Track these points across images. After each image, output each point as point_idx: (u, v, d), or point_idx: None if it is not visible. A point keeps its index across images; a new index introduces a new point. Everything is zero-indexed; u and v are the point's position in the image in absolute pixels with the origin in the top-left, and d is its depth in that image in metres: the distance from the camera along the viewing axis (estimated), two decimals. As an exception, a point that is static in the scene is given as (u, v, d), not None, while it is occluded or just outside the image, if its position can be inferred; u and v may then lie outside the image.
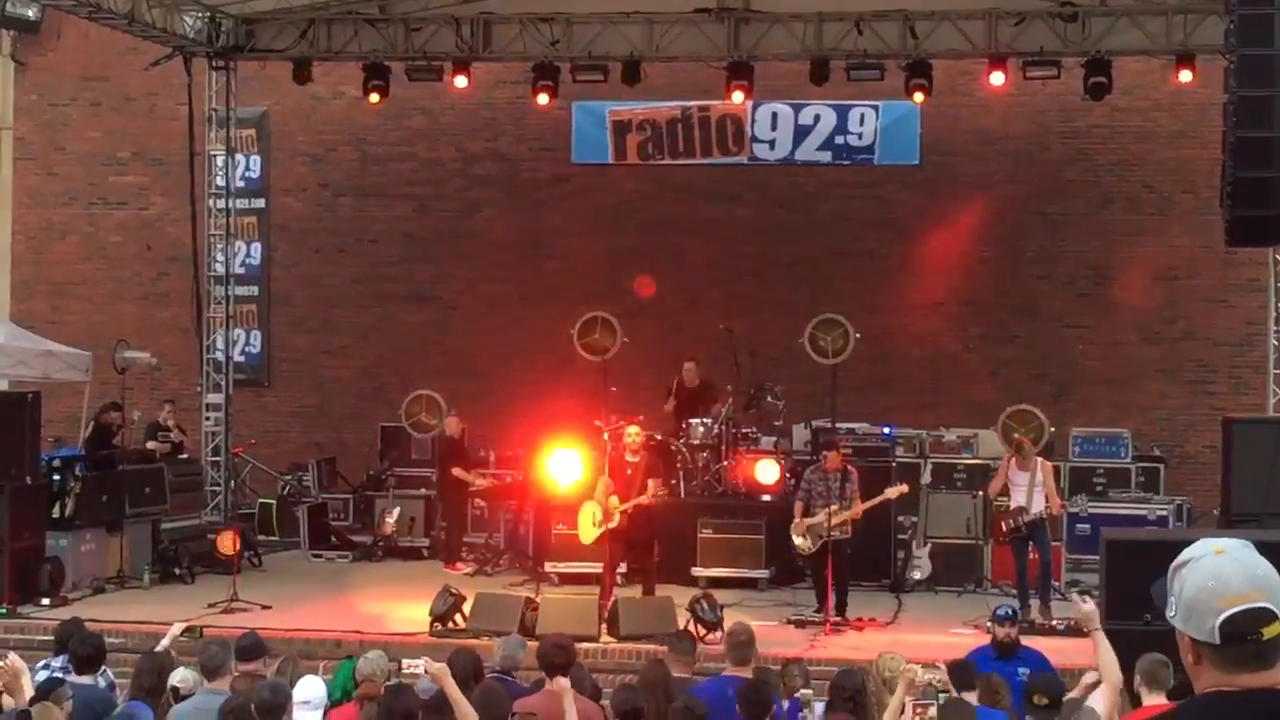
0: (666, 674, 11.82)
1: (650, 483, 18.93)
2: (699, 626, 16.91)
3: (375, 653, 11.80)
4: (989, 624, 14.30)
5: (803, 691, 11.86)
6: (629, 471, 18.97)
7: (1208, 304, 25.90)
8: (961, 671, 11.58)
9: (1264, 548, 4.03)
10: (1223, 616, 3.79)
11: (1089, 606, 10.28)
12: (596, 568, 19.14)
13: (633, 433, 19.49)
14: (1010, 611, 14.40)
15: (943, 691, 10.81)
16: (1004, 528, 19.15)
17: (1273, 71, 14.27)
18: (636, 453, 19.23)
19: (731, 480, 22.31)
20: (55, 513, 20.28)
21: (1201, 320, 25.99)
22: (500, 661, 12.06)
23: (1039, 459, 19.51)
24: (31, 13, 25.54)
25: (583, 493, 19.39)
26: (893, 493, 19.00)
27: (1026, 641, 14.11)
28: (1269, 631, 3.80)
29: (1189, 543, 4.00)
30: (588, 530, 18.99)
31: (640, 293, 25.48)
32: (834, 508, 18.45)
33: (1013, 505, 19.05)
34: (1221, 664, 3.82)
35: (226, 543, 20.29)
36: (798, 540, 18.82)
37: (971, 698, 11.11)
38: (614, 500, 18.71)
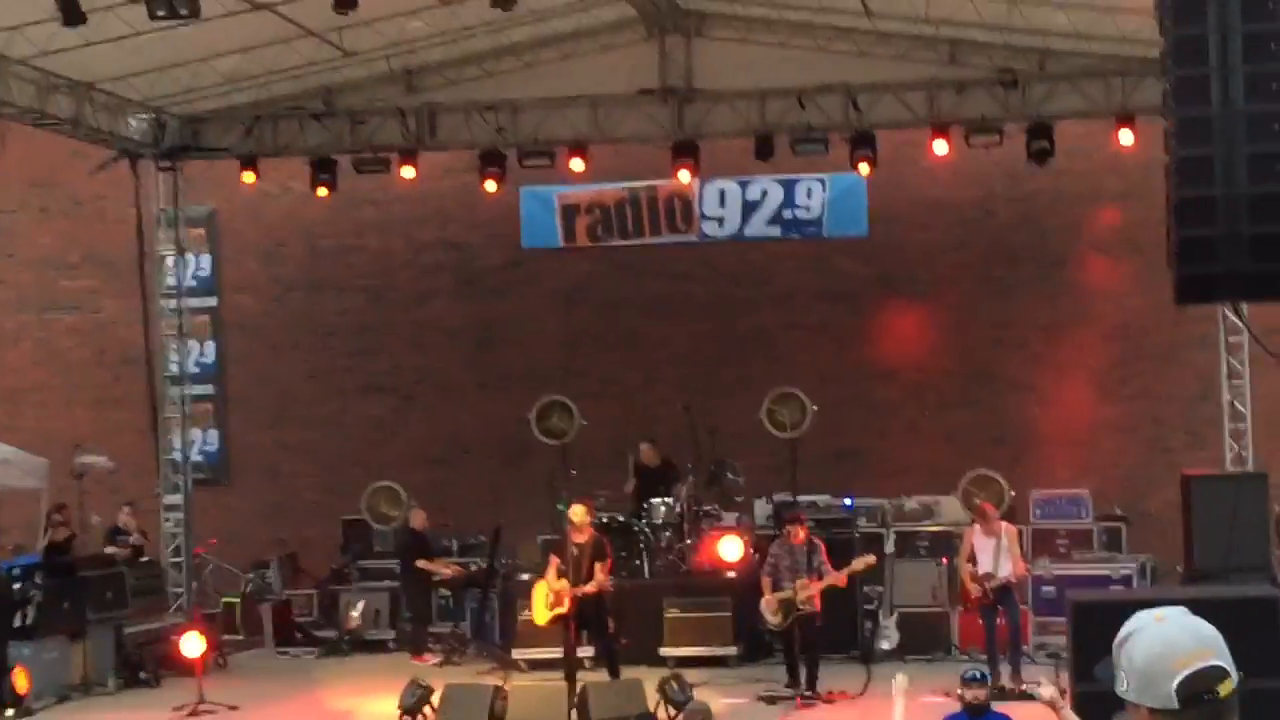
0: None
1: (597, 568, 18.88)
2: (669, 707, 16.88)
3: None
4: (958, 689, 14.31)
5: None
6: (575, 552, 18.94)
7: (1160, 361, 26.05)
8: None
9: (1229, 603, 4.07)
10: (1178, 679, 3.81)
11: (1049, 692, 10.26)
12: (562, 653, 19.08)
13: (577, 512, 19.45)
14: (979, 674, 14.43)
15: None
16: (973, 595, 19.17)
17: (1211, 131, 14.41)
18: (583, 531, 19.19)
19: (696, 560, 22.29)
20: (16, 622, 20.13)
21: (1155, 378, 26.13)
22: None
23: (1003, 524, 19.59)
24: (-24, 121, 25.50)
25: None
26: (860, 564, 19.06)
27: (998, 707, 14.12)
28: (1224, 689, 3.83)
29: (1156, 602, 4.03)
30: (540, 611, 19.00)
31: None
32: (804, 580, 18.47)
33: (979, 571, 19.09)
34: None
35: (191, 645, 20.08)
36: (769, 616, 18.82)
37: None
38: (563, 584, 18.68)
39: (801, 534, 18.93)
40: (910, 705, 11.94)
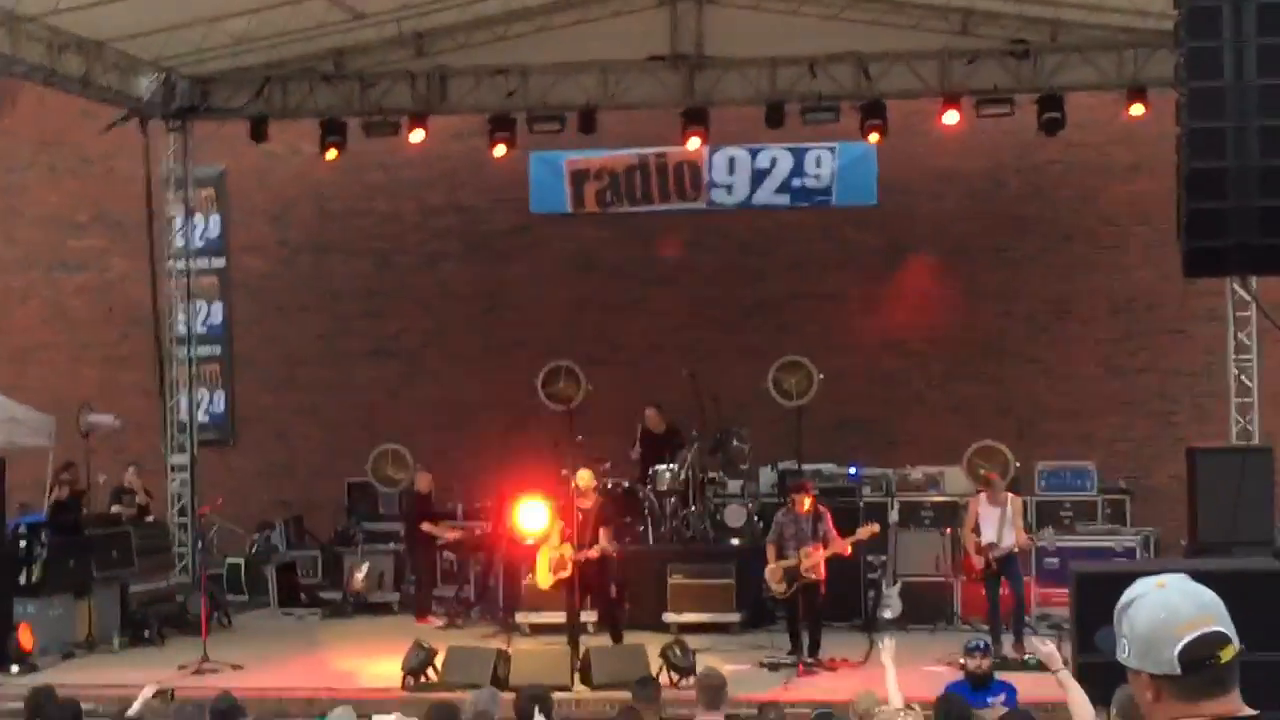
0: (641, 722, 11.82)
1: (601, 533, 18.92)
2: (672, 673, 16.92)
3: (342, 709, 11.77)
4: (961, 658, 14.35)
5: None
6: (580, 517, 18.97)
7: (1168, 335, 26.05)
8: (953, 710, 11.52)
9: (1234, 575, 4.09)
10: (1180, 645, 3.83)
11: (1049, 648, 10.28)
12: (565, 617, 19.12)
13: (583, 477, 19.46)
14: (982, 644, 14.49)
15: None
16: (977, 565, 19.20)
17: (1223, 103, 14.38)
18: (587, 496, 19.22)
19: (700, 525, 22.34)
20: (22, 579, 20.20)
21: (1162, 351, 26.13)
22: (474, 716, 12.03)
23: (1008, 494, 19.62)
24: (-14, 79, 25.51)
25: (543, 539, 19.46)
26: (864, 533, 19.08)
27: (1001, 677, 14.15)
28: (1225, 654, 3.85)
29: (1158, 574, 4.04)
30: (544, 575, 19.08)
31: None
32: (809, 548, 18.50)
33: (983, 541, 19.11)
34: (1183, 695, 3.85)
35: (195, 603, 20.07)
36: (773, 584, 18.86)
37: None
38: (566, 549, 18.73)
39: (807, 502, 18.94)
40: (913, 673, 11.96)
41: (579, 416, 22.50)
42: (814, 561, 18.50)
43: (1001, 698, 13.69)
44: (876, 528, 19.48)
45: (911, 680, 16.65)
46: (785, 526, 18.92)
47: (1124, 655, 3.95)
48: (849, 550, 18.94)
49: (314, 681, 18.00)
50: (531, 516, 19.37)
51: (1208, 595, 3.92)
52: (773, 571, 18.79)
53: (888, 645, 11.93)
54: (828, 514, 19.06)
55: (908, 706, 11.32)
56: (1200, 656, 3.83)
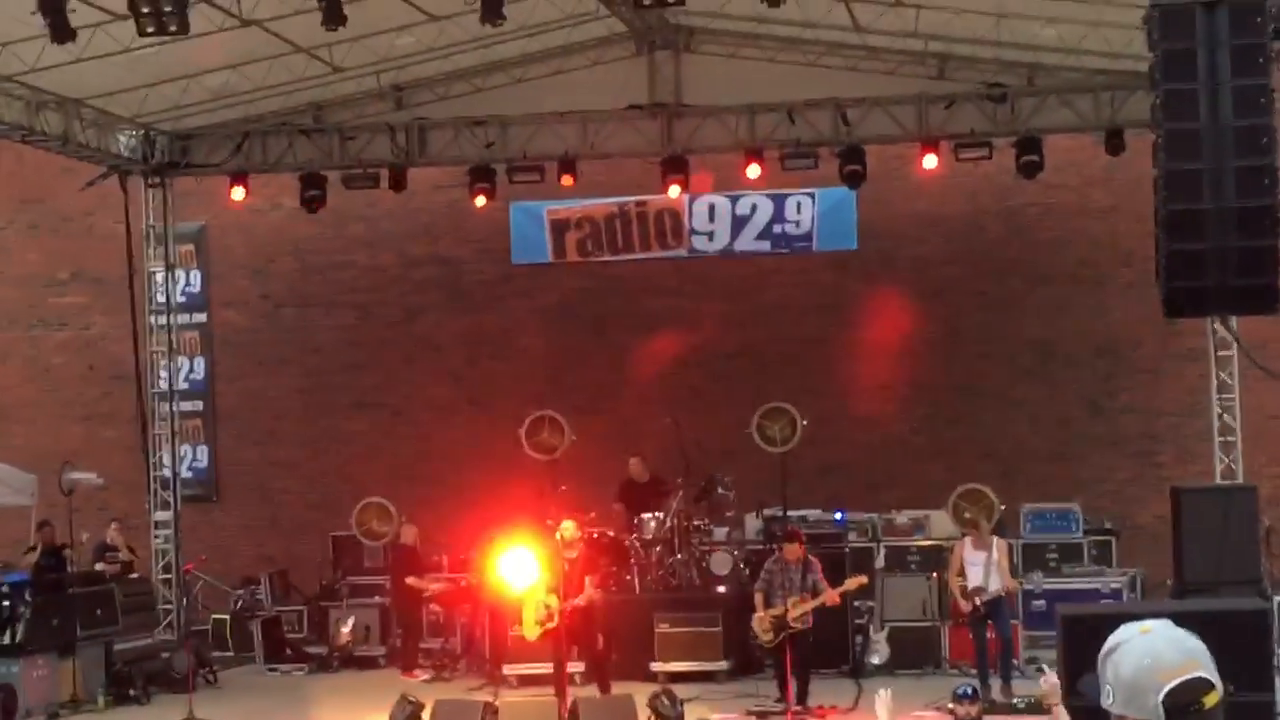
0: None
1: (586, 581, 18.86)
2: (660, 723, 16.84)
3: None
4: (949, 704, 14.31)
5: None
6: (566, 568, 18.92)
7: (1150, 375, 26.10)
8: None
9: (1220, 615, 4.08)
10: (1164, 691, 3.83)
11: (1054, 679, 10.25)
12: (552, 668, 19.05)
13: (567, 528, 19.42)
14: (970, 690, 14.45)
15: None
16: (965, 609, 19.16)
17: (1199, 145, 14.45)
18: (572, 546, 19.17)
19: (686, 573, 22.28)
20: (5, 639, 20.11)
21: (1144, 391, 26.17)
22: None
23: (994, 537, 19.61)
24: (-36, 138, 25.50)
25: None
26: (852, 584, 19.02)
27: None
28: (1209, 701, 3.84)
29: (1147, 615, 4.04)
30: (530, 627, 19.00)
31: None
32: (795, 599, 18.46)
33: (970, 585, 19.08)
34: None
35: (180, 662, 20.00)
36: (760, 633, 18.81)
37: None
38: (553, 599, 18.67)
39: (798, 551, 18.89)
40: None
41: (563, 466, 22.47)
42: (801, 612, 18.46)
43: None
44: (864, 579, 19.46)
45: (900, 726, 16.65)
46: (775, 575, 18.87)
47: (1109, 701, 3.94)
48: (838, 601, 18.90)
49: (301, 737, 17.92)
50: (518, 569, 19.26)
51: (1192, 641, 3.91)
52: (760, 620, 18.74)
53: (883, 697, 11.89)
54: (817, 563, 19.01)
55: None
56: (1184, 703, 3.82)
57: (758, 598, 18.91)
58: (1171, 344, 25.37)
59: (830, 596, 18.66)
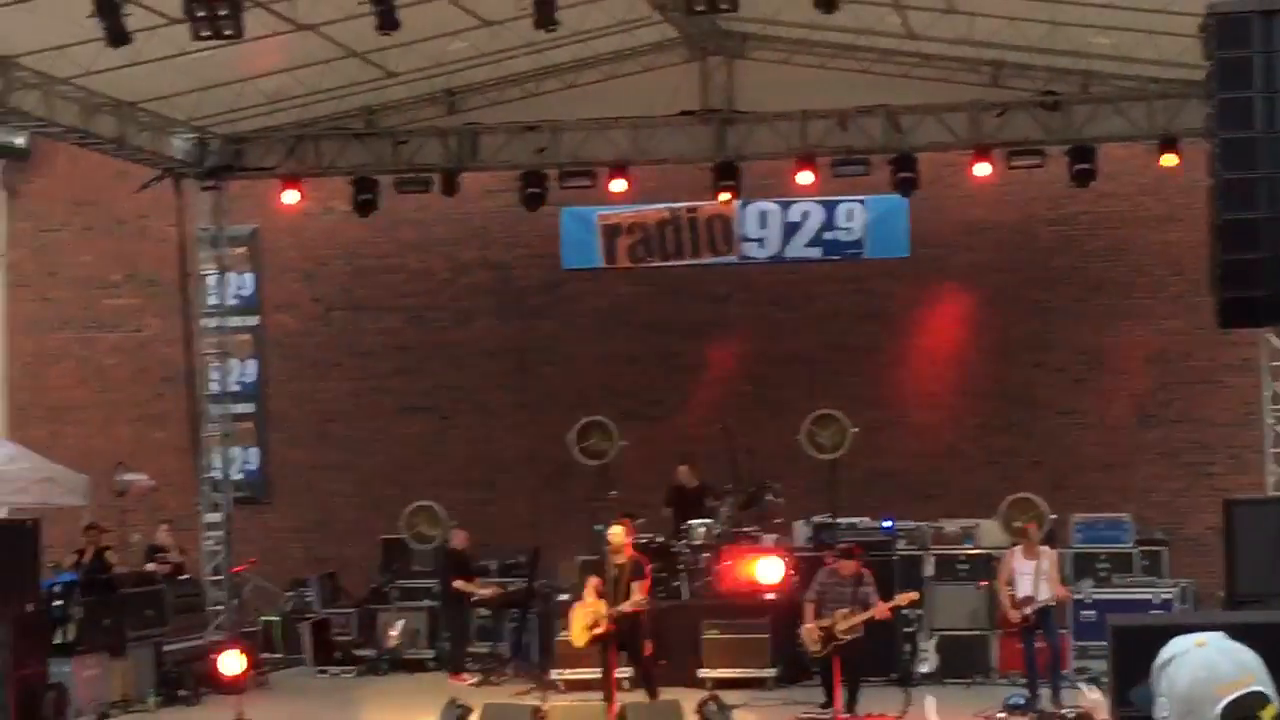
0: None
1: (634, 587, 18.83)
2: (708, 729, 16.85)
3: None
4: (1000, 714, 14.26)
5: None
6: (614, 573, 18.91)
7: (1202, 385, 25.96)
8: None
9: (1272, 628, 4.05)
10: (1221, 705, 3.81)
11: (1097, 695, 10.23)
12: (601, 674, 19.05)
13: (615, 533, 19.40)
14: (1021, 700, 14.39)
15: None
16: (1014, 618, 19.06)
17: (1254, 154, 14.34)
18: (619, 552, 19.14)
19: (726, 581, 22.22)
20: (57, 639, 20.22)
21: (1197, 401, 26.04)
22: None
23: (1044, 547, 19.51)
24: (20, 140, 25.73)
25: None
26: (903, 599, 18.89)
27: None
28: (1267, 714, 3.83)
29: (1198, 627, 4.02)
30: (579, 633, 18.99)
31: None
32: (845, 611, 18.39)
33: (1019, 594, 18.99)
34: None
35: (230, 663, 20.01)
36: (809, 644, 18.75)
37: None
38: (601, 606, 18.65)
39: (853, 566, 18.80)
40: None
41: (612, 472, 22.48)
42: (849, 625, 18.38)
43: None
44: (916, 595, 19.34)
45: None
46: (827, 588, 18.79)
47: (1164, 714, 3.92)
48: (890, 615, 18.81)
49: (349, 740, 17.97)
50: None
51: (1247, 654, 3.89)
52: (809, 631, 18.67)
53: (929, 703, 11.83)
54: (870, 576, 18.92)
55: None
56: (1241, 717, 3.80)
57: (808, 609, 18.83)
58: (1224, 354, 25.24)
59: (881, 610, 18.56)
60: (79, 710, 19.81)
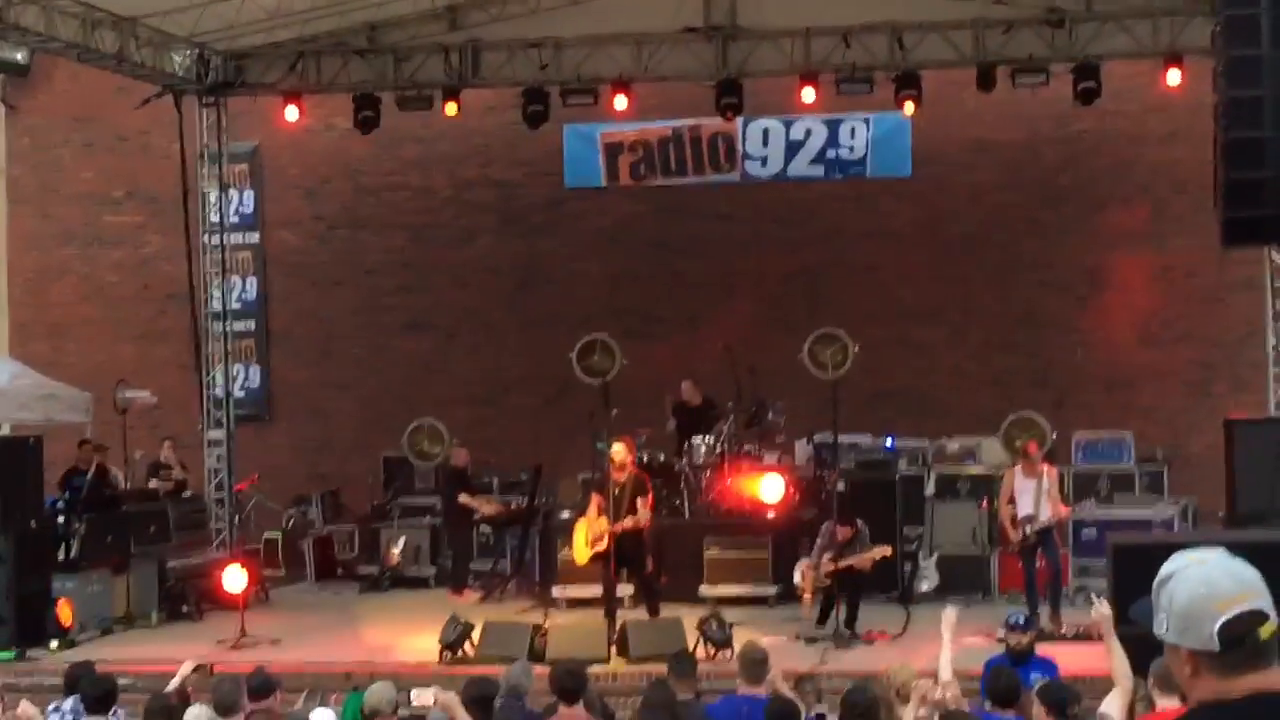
0: (672, 695, 11.81)
1: (638, 503, 18.89)
2: (708, 646, 16.92)
3: (381, 684, 11.77)
4: (1002, 631, 14.28)
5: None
6: (615, 491, 18.95)
7: (1205, 304, 25.91)
8: (1002, 686, 11.40)
9: (1271, 547, 4.05)
10: (1220, 621, 3.81)
11: (1106, 609, 10.23)
12: (602, 591, 19.12)
13: (617, 450, 19.44)
14: (1024, 619, 14.41)
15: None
16: (1014, 537, 19.08)
17: (1260, 72, 14.28)
18: (622, 469, 19.18)
19: (732, 498, 22.29)
20: (60, 555, 20.29)
21: (1199, 321, 26.00)
22: (507, 689, 11.99)
23: (1044, 465, 19.52)
24: (20, 56, 25.61)
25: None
26: (876, 553, 18.88)
27: (1040, 650, 14.10)
28: (1265, 631, 3.82)
29: (1197, 544, 4.02)
30: (581, 550, 19.06)
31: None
32: (829, 555, 18.55)
33: (1020, 513, 19.01)
34: (1221, 670, 3.84)
35: (233, 579, 20.06)
36: (797, 578, 18.94)
37: (1009, 714, 11.06)
38: (603, 522, 18.72)
39: (847, 532, 18.84)
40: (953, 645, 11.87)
41: (614, 390, 22.47)
42: (830, 570, 18.55)
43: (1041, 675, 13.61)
44: (889, 551, 19.33)
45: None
46: (825, 546, 18.92)
47: (1162, 630, 3.92)
48: (870, 567, 18.84)
49: (351, 656, 18.05)
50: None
51: (1248, 571, 3.89)
52: (804, 573, 18.85)
53: (948, 615, 11.75)
54: (866, 530, 18.98)
55: (948, 682, 11.25)
56: (1239, 633, 3.81)
57: (808, 561, 19.02)
58: (1228, 272, 25.18)
59: (861, 561, 18.63)
60: (82, 625, 19.89)
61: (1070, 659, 14.41)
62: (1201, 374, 26.01)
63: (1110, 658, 9.86)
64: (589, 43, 23.77)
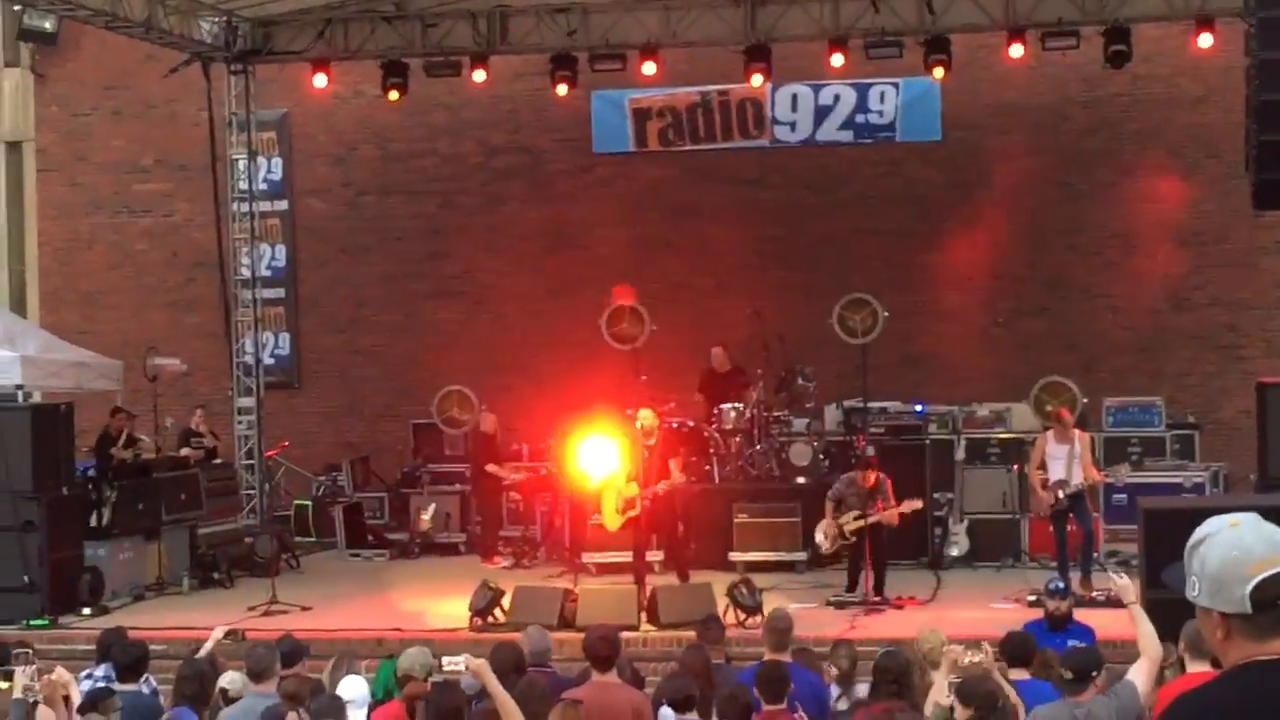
0: (707, 660, 11.84)
1: (671, 464, 18.88)
2: (738, 611, 16.93)
3: (416, 649, 11.78)
4: (1042, 597, 14.28)
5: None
6: (645, 456, 18.95)
7: (1236, 268, 25.80)
8: (1017, 646, 11.54)
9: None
10: (1252, 584, 3.81)
11: (1125, 580, 10.21)
12: (631, 557, 19.13)
13: (645, 416, 19.42)
14: (1062, 585, 14.39)
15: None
16: (1046, 501, 19.01)
17: (1293, 33, 14.21)
18: (650, 435, 19.18)
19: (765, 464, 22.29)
20: (92, 522, 20.38)
21: (1230, 284, 25.89)
22: (533, 655, 11.97)
23: (1076, 430, 19.45)
24: (49, 24, 25.60)
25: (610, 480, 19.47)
26: (907, 507, 18.80)
27: (1076, 615, 14.10)
28: None
29: (1229, 509, 4.01)
30: (611, 516, 19.07)
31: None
32: (856, 513, 18.47)
33: (1051, 478, 18.95)
34: (1254, 633, 3.83)
35: (263, 547, 20.10)
36: (821, 540, 18.89)
37: (1023, 674, 11.09)
38: (633, 488, 18.72)
39: (871, 478, 18.77)
40: (980, 611, 11.87)
41: (643, 356, 22.47)
42: (856, 528, 18.45)
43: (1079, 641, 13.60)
44: (919, 504, 19.22)
45: (978, 618, 16.68)
46: (846, 495, 18.83)
47: (1194, 593, 3.92)
48: (897, 522, 18.75)
49: (382, 622, 18.10)
50: (597, 458, 19.17)
51: (1280, 536, 3.88)
52: (826, 528, 18.78)
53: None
54: (888, 482, 18.88)
55: (974, 644, 11.23)
56: (1272, 596, 3.80)
57: (828, 507, 18.93)
58: (1259, 236, 25.09)
59: (888, 516, 18.56)
60: (114, 593, 19.99)
61: (1103, 624, 14.38)
62: (1232, 338, 25.91)
63: (1136, 627, 9.83)
64: (617, 8, 23.73)
